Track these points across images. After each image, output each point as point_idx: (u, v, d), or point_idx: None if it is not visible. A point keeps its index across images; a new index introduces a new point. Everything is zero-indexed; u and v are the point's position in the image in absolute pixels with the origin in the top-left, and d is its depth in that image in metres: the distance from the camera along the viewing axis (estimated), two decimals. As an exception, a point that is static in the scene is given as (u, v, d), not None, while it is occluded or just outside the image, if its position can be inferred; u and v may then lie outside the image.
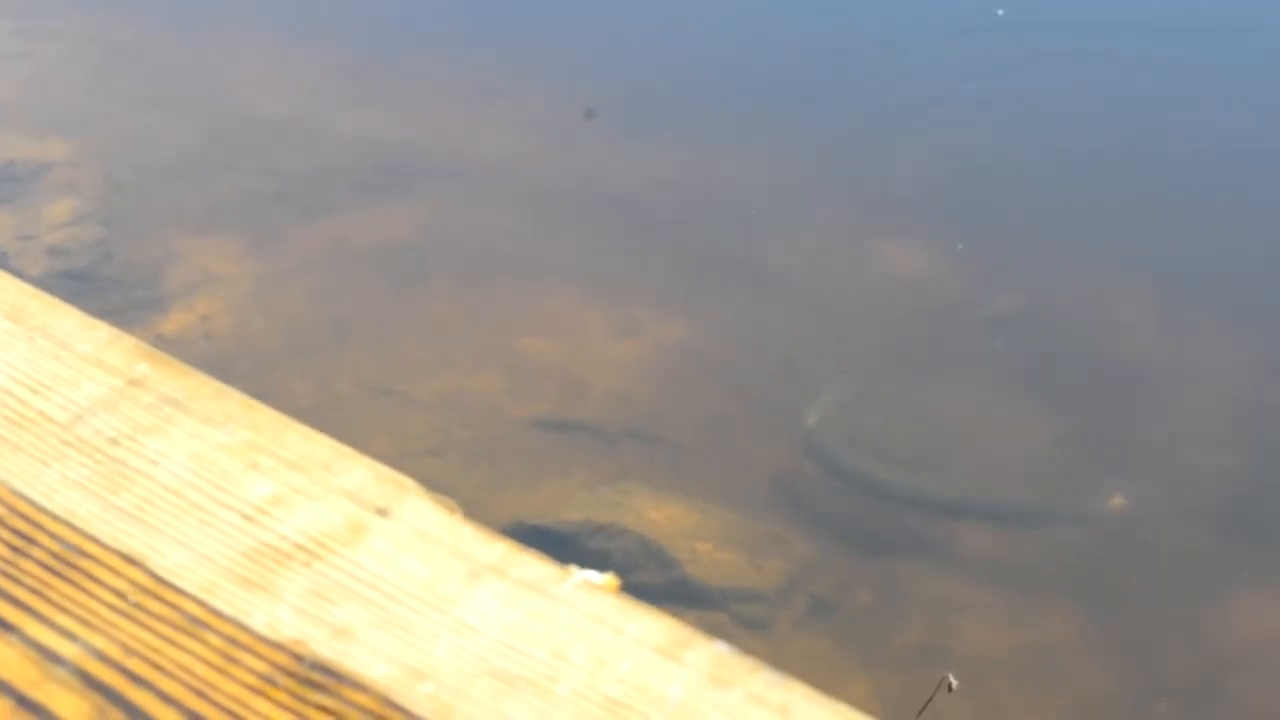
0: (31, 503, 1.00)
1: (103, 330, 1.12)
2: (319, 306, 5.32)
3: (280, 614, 0.92)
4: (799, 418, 4.74)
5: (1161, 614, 4.21)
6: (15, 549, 0.97)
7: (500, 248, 5.60)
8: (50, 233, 5.62)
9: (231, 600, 0.93)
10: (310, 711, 0.87)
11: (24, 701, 0.88)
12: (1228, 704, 3.98)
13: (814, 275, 5.47)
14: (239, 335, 5.14)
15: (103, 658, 0.91)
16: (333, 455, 1.02)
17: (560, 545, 4.24)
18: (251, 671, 0.90)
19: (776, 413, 4.85)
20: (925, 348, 5.17)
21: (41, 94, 6.57)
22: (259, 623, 0.92)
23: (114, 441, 1.04)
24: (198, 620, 0.92)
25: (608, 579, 0.93)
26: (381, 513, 0.98)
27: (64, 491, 1.01)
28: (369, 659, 0.89)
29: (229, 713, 0.88)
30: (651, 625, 0.90)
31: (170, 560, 0.96)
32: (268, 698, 0.88)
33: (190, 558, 0.96)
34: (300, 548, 0.96)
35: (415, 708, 0.87)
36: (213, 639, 0.91)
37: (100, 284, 5.35)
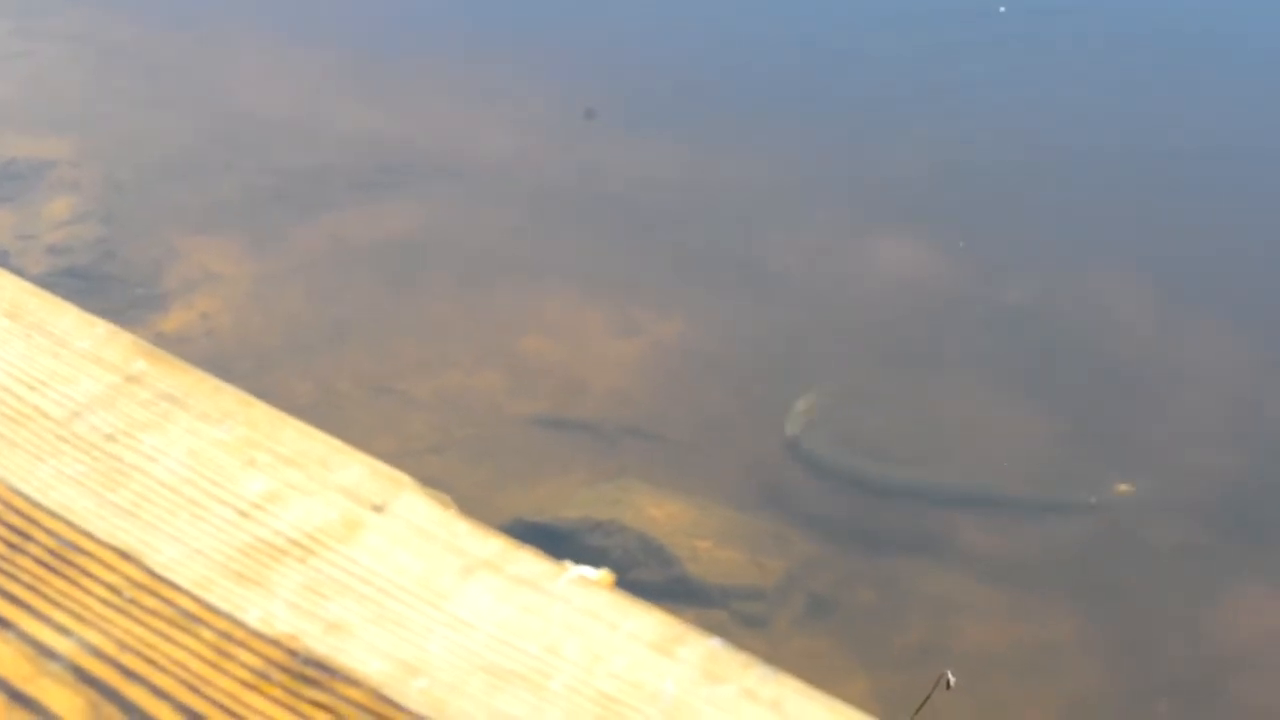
0: (27, 499, 1.00)
1: (100, 327, 1.12)
2: (319, 305, 5.32)
3: (275, 609, 0.92)
4: (781, 426, 4.73)
5: (1160, 612, 4.21)
6: (11, 545, 0.97)
7: (500, 247, 5.60)
8: (51, 231, 5.62)
9: (226, 596, 0.93)
10: (304, 706, 0.88)
11: (18, 697, 0.88)
12: (1226, 702, 3.98)
13: (813, 274, 5.47)
14: (239, 334, 5.14)
15: (97, 653, 0.91)
16: (328, 451, 1.02)
17: (559, 542, 4.24)
18: (245, 667, 0.90)
19: (775, 411, 4.85)
20: (924, 346, 5.17)
21: (42, 93, 6.57)
22: (253, 618, 0.92)
23: (110, 438, 1.04)
24: (192, 616, 0.92)
25: (602, 574, 0.93)
26: (377, 508, 0.98)
27: (60, 487, 1.01)
28: (363, 654, 0.90)
29: (223, 708, 0.88)
30: (646, 621, 0.90)
31: (165, 556, 0.96)
32: (262, 693, 0.88)
33: (185, 553, 0.96)
34: (295, 543, 0.96)
35: (409, 703, 0.87)
36: (207, 634, 0.91)
37: (101, 282, 5.35)
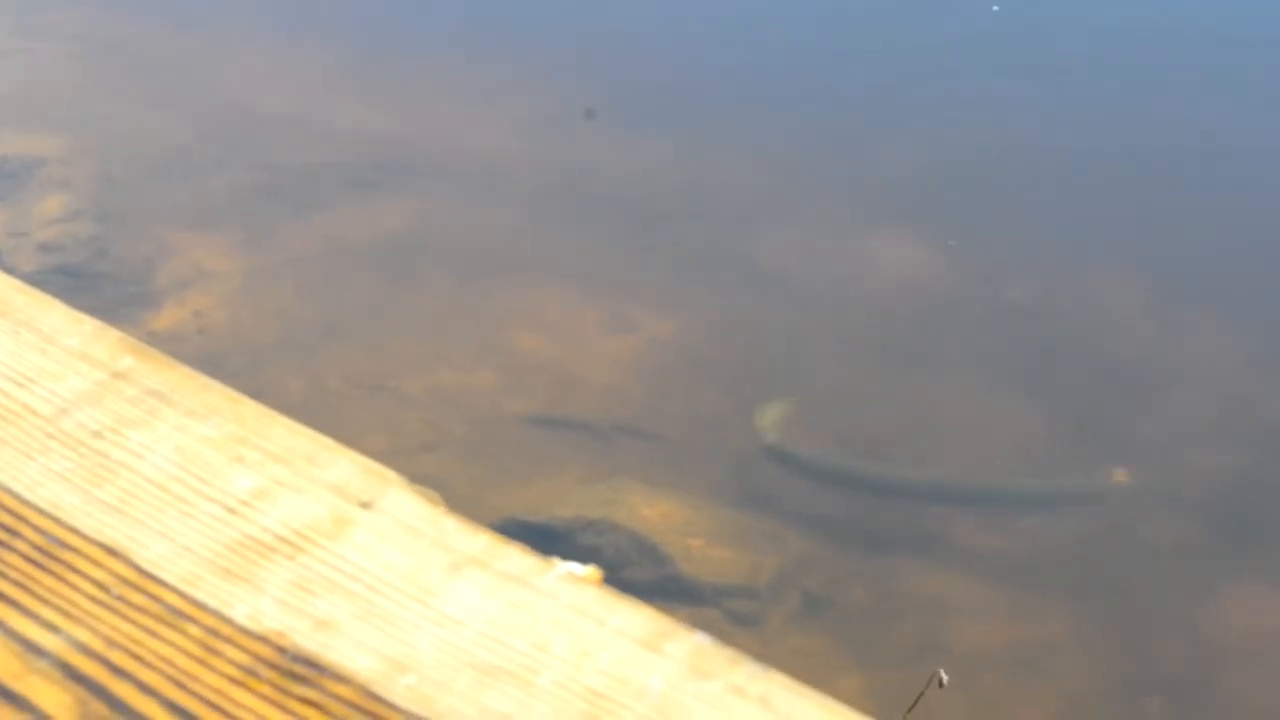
0: (15, 495, 1.00)
1: (88, 324, 1.12)
2: (312, 303, 5.31)
3: (262, 606, 0.92)
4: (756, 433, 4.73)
5: (1156, 610, 4.21)
6: (-2, 541, 0.97)
7: (494, 245, 5.60)
8: (43, 229, 5.61)
9: (214, 592, 0.93)
10: (292, 703, 0.87)
11: (5, 694, 0.88)
12: (1220, 700, 3.99)
13: (808, 272, 5.47)
14: (232, 331, 5.13)
15: (85, 650, 0.91)
16: (316, 448, 1.02)
17: (553, 541, 4.24)
18: (233, 663, 0.90)
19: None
20: (920, 345, 5.17)
21: (35, 90, 6.56)
22: (241, 614, 0.92)
23: (98, 434, 1.04)
24: (180, 612, 0.92)
25: (590, 571, 0.93)
26: (365, 505, 0.98)
27: (47, 484, 1.00)
28: (351, 651, 0.89)
29: (210, 704, 0.88)
30: (633, 617, 0.90)
31: (153, 552, 0.96)
32: (249, 689, 0.88)
33: (173, 550, 0.96)
34: (283, 540, 0.96)
35: (397, 700, 0.87)
36: (194, 631, 0.91)
37: (93, 280, 5.35)
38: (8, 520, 0.98)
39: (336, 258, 5.54)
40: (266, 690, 0.88)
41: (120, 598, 0.93)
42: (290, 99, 6.46)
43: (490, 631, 0.90)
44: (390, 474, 1.00)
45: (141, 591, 0.94)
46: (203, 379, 1.07)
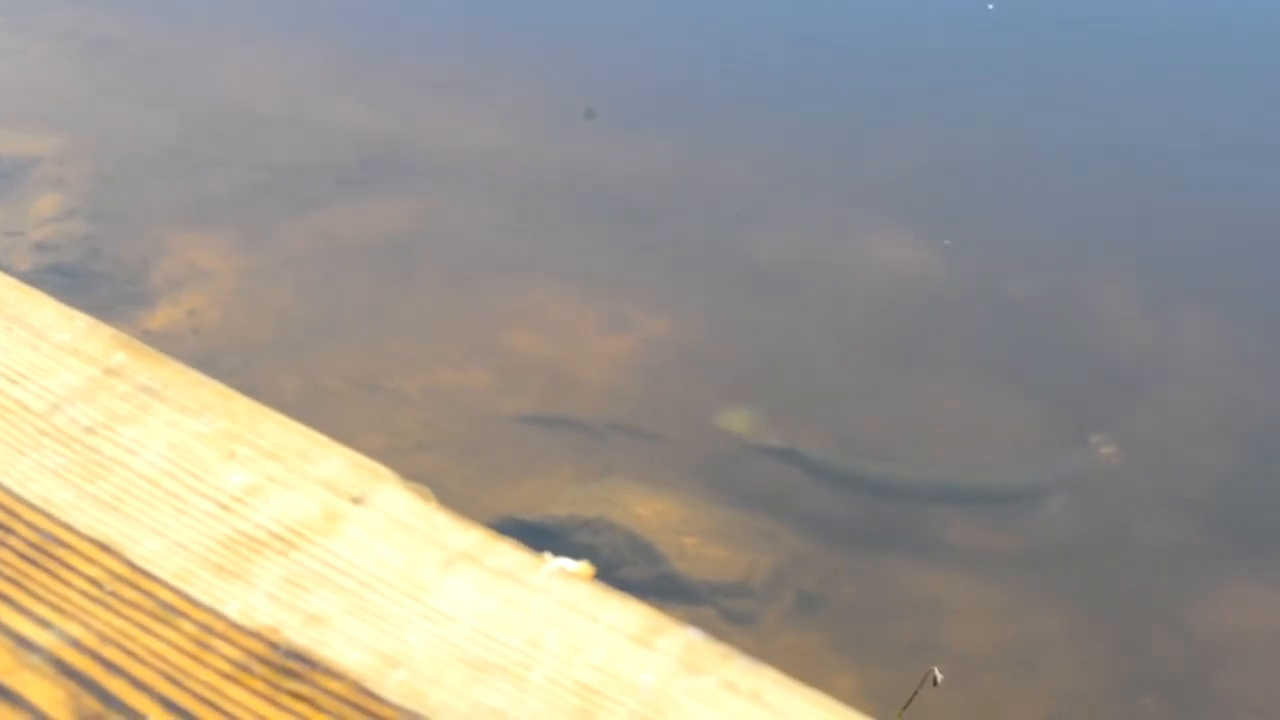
0: (8, 491, 1.00)
1: (80, 320, 1.12)
2: (307, 302, 5.31)
3: (255, 601, 0.92)
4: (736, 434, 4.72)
5: (1152, 609, 4.22)
6: (-9, 537, 0.97)
7: (490, 244, 5.60)
8: (38, 228, 5.61)
9: (206, 588, 0.93)
10: (284, 698, 0.88)
11: (-2, 689, 0.88)
12: (1216, 698, 3.99)
13: (803, 271, 5.47)
14: (226, 330, 5.13)
15: (77, 645, 0.91)
16: (308, 444, 1.02)
17: (547, 540, 4.24)
18: (226, 659, 0.90)
19: (765, 408, 4.85)
20: (916, 343, 5.17)
21: (30, 89, 6.56)
22: (233, 610, 0.92)
23: (90, 430, 1.04)
24: (172, 608, 0.92)
25: (582, 566, 0.93)
26: (357, 501, 0.98)
27: (40, 480, 1.00)
28: (343, 646, 0.90)
29: (203, 700, 0.88)
30: (625, 612, 0.91)
31: (146, 548, 0.96)
32: (242, 685, 0.88)
33: (166, 546, 0.96)
34: (275, 536, 0.96)
35: (389, 695, 0.87)
36: (187, 627, 0.91)
37: (88, 279, 5.34)
38: (0, 516, 0.98)
39: (332, 257, 5.54)
40: (259, 686, 0.88)
41: (113, 593, 0.93)
42: (286, 98, 6.45)
43: (482, 627, 0.90)
44: (382, 470, 1.00)
45: (134, 587, 0.94)
46: (195, 375, 1.07)
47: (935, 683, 3.29)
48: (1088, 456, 4.65)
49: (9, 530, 0.97)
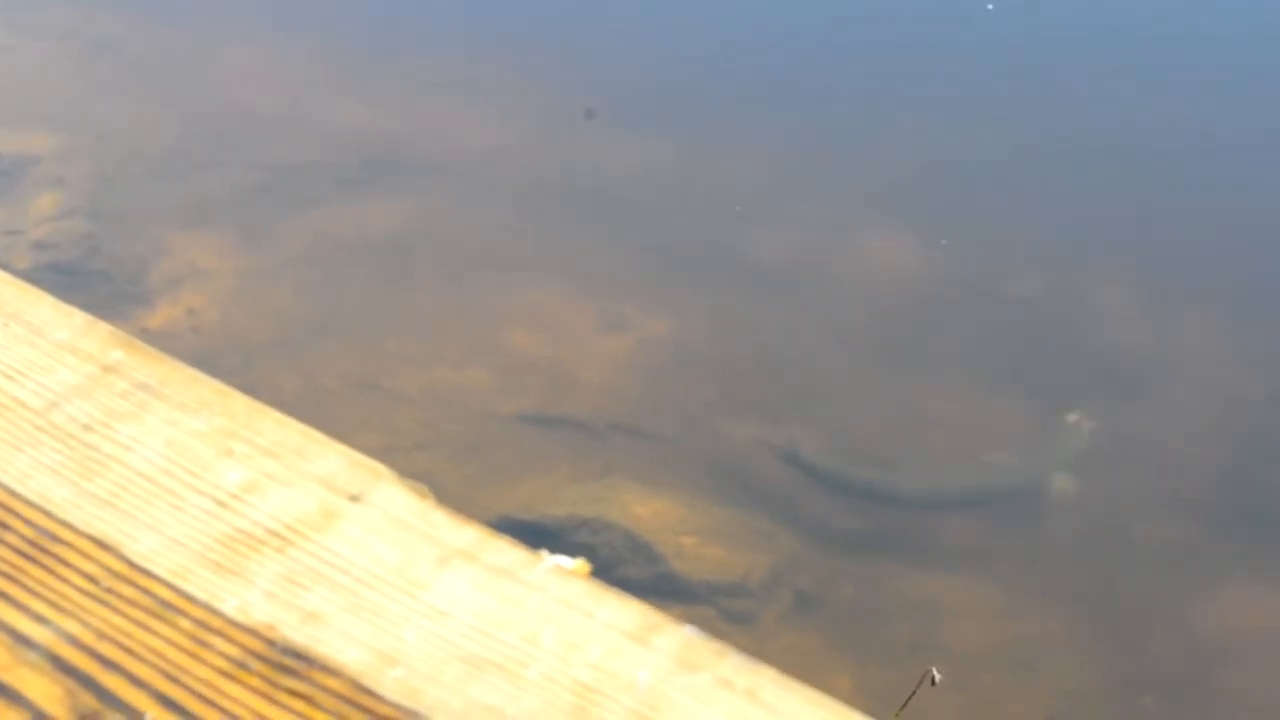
0: (5, 488, 1.00)
1: (78, 317, 1.12)
2: (306, 301, 5.31)
3: (252, 599, 0.92)
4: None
5: (1151, 608, 4.22)
6: (-12, 534, 0.97)
7: (487, 242, 5.59)
8: (37, 226, 5.61)
9: (204, 585, 0.94)
10: (281, 695, 0.88)
11: (-5, 685, 0.88)
12: (1215, 697, 3.99)
13: (800, 271, 5.47)
14: (225, 329, 5.13)
15: (75, 642, 0.91)
16: (306, 441, 1.02)
17: (546, 540, 4.23)
18: (223, 656, 0.90)
19: (763, 408, 4.85)
20: (914, 343, 5.17)
21: (28, 88, 6.56)
22: (231, 607, 0.92)
23: (88, 428, 1.04)
24: (170, 605, 0.92)
25: (578, 564, 0.94)
26: (354, 498, 0.98)
27: (38, 477, 1.01)
28: (340, 644, 0.90)
29: (200, 697, 0.88)
30: (622, 610, 0.91)
31: (143, 545, 0.96)
32: (239, 682, 0.88)
33: (163, 543, 0.96)
34: (273, 533, 0.96)
35: (385, 691, 0.87)
36: (185, 624, 0.91)
37: (87, 278, 5.34)
38: (-2, 513, 0.98)
39: (331, 256, 5.54)
40: (256, 683, 0.88)
41: (110, 590, 0.94)
42: (285, 98, 6.45)
43: (479, 624, 0.90)
44: (380, 468, 1.00)
45: (131, 584, 0.94)
46: (192, 372, 1.07)
47: (933, 683, 3.28)
48: (1068, 435, 4.69)
49: (7, 527, 0.98)
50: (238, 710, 0.87)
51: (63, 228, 5.59)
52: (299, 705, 0.87)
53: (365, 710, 0.86)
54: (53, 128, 6.14)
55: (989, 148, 6.16)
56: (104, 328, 1.10)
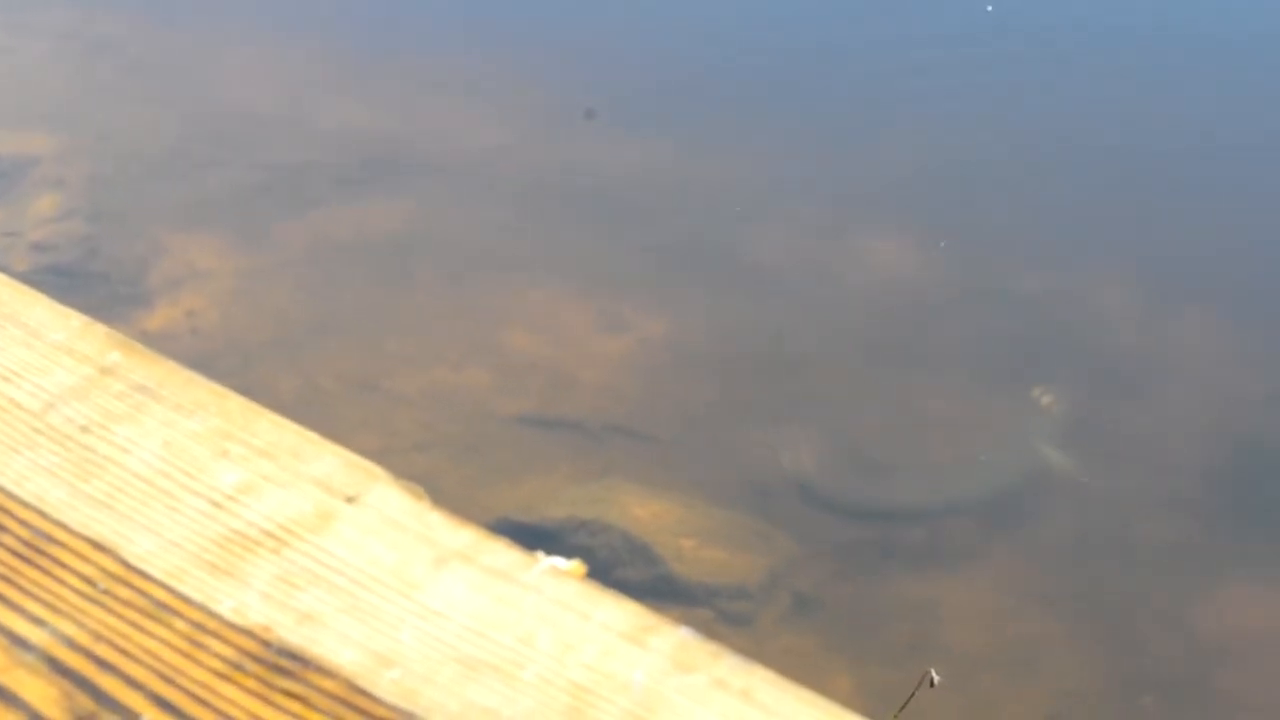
0: (1, 490, 1.00)
1: (74, 319, 1.12)
2: (305, 302, 5.32)
3: (248, 600, 0.93)
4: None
5: (1150, 608, 4.22)
6: (-15, 536, 0.97)
7: (486, 243, 5.60)
8: (36, 228, 5.61)
9: (200, 586, 0.94)
10: (277, 697, 0.88)
11: (-9, 687, 0.88)
12: (1215, 697, 4.00)
13: (800, 272, 5.48)
14: (225, 331, 5.14)
15: (71, 644, 0.91)
16: (302, 442, 1.02)
17: (545, 542, 4.23)
18: (219, 657, 0.90)
19: (762, 409, 4.86)
20: (913, 344, 5.17)
21: (26, 89, 6.56)
22: (227, 609, 0.92)
23: (85, 429, 1.04)
24: (166, 606, 0.93)
25: (574, 565, 0.94)
26: (350, 500, 0.98)
27: (34, 478, 1.01)
28: (336, 645, 0.90)
29: (196, 698, 0.88)
30: (617, 611, 0.91)
31: (139, 547, 0.96)
32: (235, 683, 0.89)
33: (159, 544, 0.96)
34: (269, 534, 0.96)
35: (381, 693, 0.87)
36: (180, 625, 0.92)
37: (86, 280, 5.35)
38: (-6, 515, 0.98)
39: (330, 257, 5.54)
40: (252, 684, 0.88)
41: (107, 592, 0.94)
42: (284, 98, 6.45)
43: (475, 625, 0.90)
44: (376, 469, 1.00)
45: (128, 586, 0.94)
46: (189, 374, 1.07)
47: (932, 684, 3.29)
48: (1038, 415, 4.72)
49: (3, 529, 0.98)
50: (233, 711, 0.87)
51: (62, 229, 5.60)
52: (294, 706, 0.87)
53: (361, 711, 0.86)
54: (52, 129, 6.14)
55: (989, 148, 6.17)
56: (101, 329, 1.11)
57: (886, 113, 6.35)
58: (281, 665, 0.89)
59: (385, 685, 0.87)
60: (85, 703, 0.88)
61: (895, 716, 3.21)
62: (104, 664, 0.90)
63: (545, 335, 5.17)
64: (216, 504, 0.98)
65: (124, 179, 5.95)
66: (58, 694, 0.88)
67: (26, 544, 0.97)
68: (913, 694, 3.35)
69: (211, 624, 0.91)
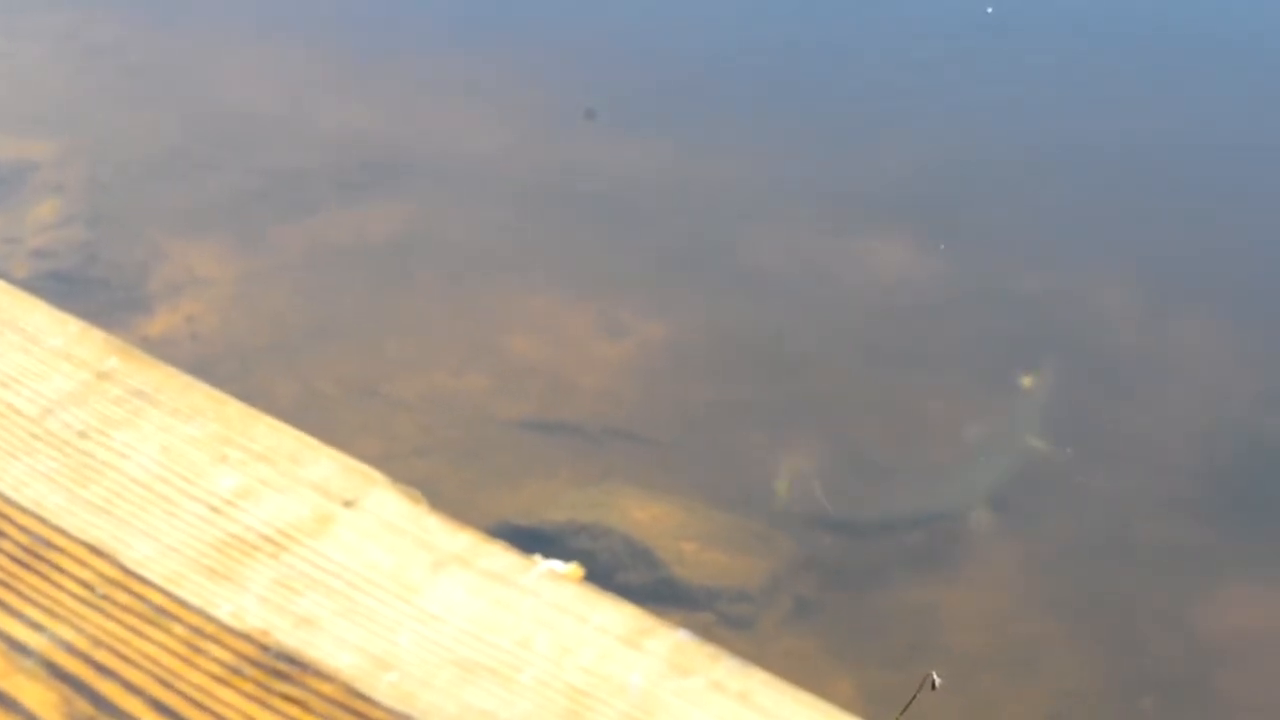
0: (0, 496, 1.00)
1: (72, 324, 1.12)
2: (305, 307, 5.32)
3: (246, 604, 0.93)
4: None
5: (1150, 609, 4.22)
6: (-17, 541, 0.97)
7: (486, 246, 5.60)
8: (36, 235, 5.61)
9: (198, 591, 0.94)
10: (275, 700, 0.88)
11: (-10, 692, 0.89)
12: (1214, 698, 3.99)
13: (799, 275, 5.48)
14: (225, 336, 5.14)
15: (70, 648, 0.91)
16: (299, 447, 1.03)
17: (545, 546, 4.22)
18: (217, 661, 0.90)
19: (762, 411, 4.86)
20: (912, 346, 5.17)
21: (25, 94, 6.56)
22: (225, 613, 0.92)
23: (83, 434, 1.04)
24: (164, 611, 0.93)
25: (572, 568, 0.94)
26: (348, 504, 0.99)
27: (33, 484, 1.01)
28: (333, 648, 0.90)
29: (194, 702, 0.88)
30: (614, 614, 0.91)
31: (138, 552, 0.96)
32: (233, 687, 0.89)
33: (157, 549, 0.96)
34: (267, 539, 0.97)
35: (379, 696, 0.87)
36: (179, 629, 0.92)
37: (86, 286, 5.35)
38: (-7, 520, 0.99)
39: (329, 262, 5.54)
40: (250, 688, 0.89)
41: (105, 597, 0.94)
42: (283, 101, 6.45)
43: (472, 629, 0.90)
44: (373, 473, 1.00)
45: (126, 590, 0.94)
46: (187, 379, 1.08)
47: (934, 687, 3.28)
48: (1023, 399, 4.75)
49: (2, 534, 0.98)
50: (231, 715, 0.87)
51: (62, 235, 5.60)
52: (293, 710, 0.87)
53: (359, 715, 0.86)
54: (51, 133, 6.14)
55: (989, 149, 6.17)
56: (98, 334, 1.11)
57: (887, 113, 6.35)
58: (279, 669, 0.89)
59: (383, 688, 0.88)
60: (84, 708, 0.88)
61: (897, 719, 3.21)
62: (103, 669, 0.90)
63: (545, 339, 5.17)
64: (214, 509, 0.99)
65: (123, 184, 5.95)
66: (57, 699, 0.89)
67: (25, 549, 0.97)
68: (914, 696, 3.34)
69: (210, 628, 0.92)
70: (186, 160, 6.06)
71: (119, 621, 0.93)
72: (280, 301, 5.34)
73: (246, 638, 0.91)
